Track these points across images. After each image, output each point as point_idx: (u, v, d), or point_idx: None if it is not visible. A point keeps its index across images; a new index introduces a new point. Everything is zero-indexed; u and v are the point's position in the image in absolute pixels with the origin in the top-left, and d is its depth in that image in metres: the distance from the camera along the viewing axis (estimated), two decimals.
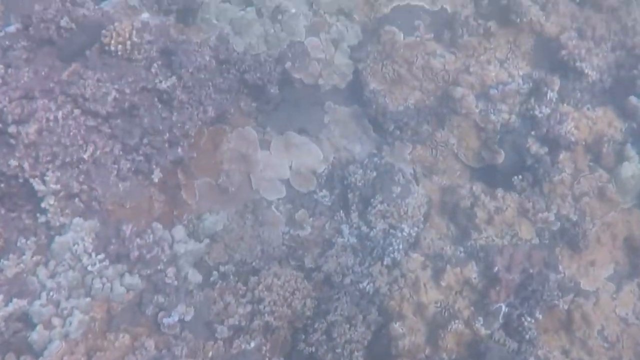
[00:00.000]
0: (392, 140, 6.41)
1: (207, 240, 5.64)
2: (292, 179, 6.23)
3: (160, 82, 5.36)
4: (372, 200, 6.10)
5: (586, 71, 6.25)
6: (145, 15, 5.89)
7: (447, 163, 6.46)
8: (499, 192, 6.07)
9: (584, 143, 6.15)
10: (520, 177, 6.08)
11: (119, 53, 5.37)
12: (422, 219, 6.17)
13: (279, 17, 6.30)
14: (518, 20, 6.46)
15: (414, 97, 6.49)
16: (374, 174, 6.20)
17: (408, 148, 6.41)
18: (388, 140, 6.43)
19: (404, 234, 5.98)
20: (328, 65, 6.42)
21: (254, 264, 5.70)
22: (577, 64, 6.26)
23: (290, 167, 6.23)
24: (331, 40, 6.49)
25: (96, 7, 5.75)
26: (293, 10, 6.26)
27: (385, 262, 5.81)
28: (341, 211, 6.18)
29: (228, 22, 6.26)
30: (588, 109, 6.32)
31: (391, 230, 6.01)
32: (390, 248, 5.87)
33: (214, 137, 5.98)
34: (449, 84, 6.44)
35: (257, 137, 6.15)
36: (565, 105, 6.28)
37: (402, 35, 6.54)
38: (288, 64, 6.26)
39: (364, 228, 6.08)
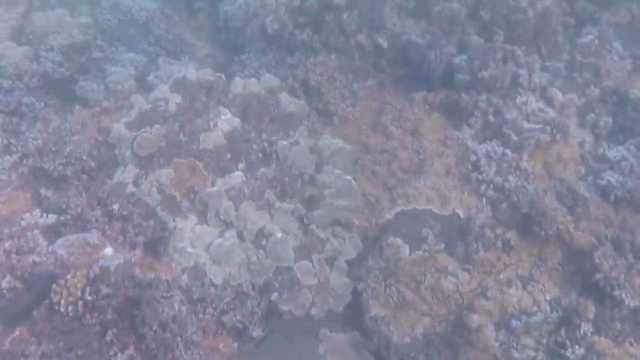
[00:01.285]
0: None
1: None
2: None
3: (116, 354, 4.54)
4: None
5: (626, 301, 5.27)
6: (107, 253, 5.09)
7: None
8: None
9: None
10: None
11: (70, 314, 4.60)
12: None
13: (263, 242, 5.44)
14: (542, 232, 5.55)
15: (423, 325, 5.55)
16: None
17: None
18: None
19: None
20: (322, 289, 5.54)
21: None
22: (615, 292, 5.29)
23: None
24: (326, 259, 5.61)
25: (49, 248, 4.98)
26: (279, 235, 5.39)
27: None
28: None
29: (205, 249, 5.41)
30: (631, 344, 5.32)
31: None
32: None
33: None
34: (463, 309, 5.51)
35: None
36: (602, 338, 5.28)
37: (407, 249, 5.67)
38: (274, 295, 5.41)
39: None
